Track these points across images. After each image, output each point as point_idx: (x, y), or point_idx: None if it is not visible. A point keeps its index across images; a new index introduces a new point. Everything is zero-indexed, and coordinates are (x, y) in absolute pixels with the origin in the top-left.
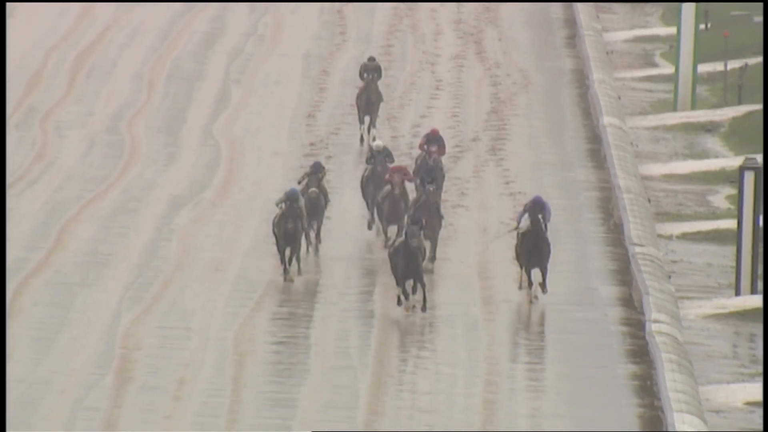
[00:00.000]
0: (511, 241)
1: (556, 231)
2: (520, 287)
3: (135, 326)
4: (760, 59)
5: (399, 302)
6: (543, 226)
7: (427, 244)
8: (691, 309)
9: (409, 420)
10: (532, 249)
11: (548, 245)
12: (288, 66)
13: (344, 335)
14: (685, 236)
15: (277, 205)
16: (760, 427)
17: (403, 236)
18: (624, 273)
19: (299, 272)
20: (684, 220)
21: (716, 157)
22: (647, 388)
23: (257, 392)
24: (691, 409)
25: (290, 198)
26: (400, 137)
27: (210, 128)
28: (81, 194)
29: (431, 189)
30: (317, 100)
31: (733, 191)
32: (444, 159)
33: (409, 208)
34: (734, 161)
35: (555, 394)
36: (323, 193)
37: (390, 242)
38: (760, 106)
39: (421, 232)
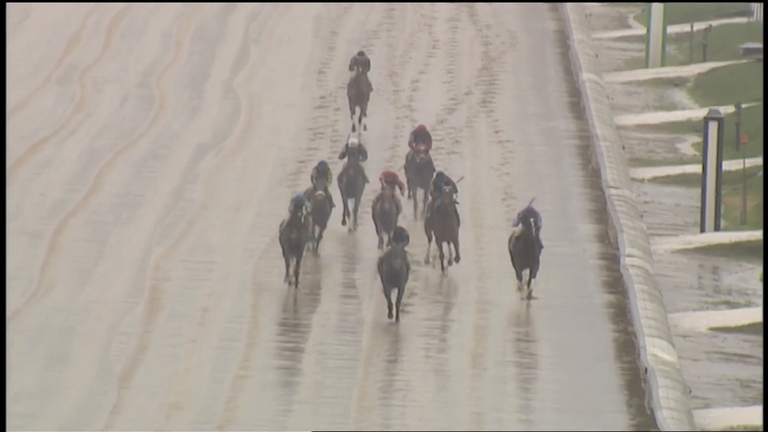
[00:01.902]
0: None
1: (540, 175)
2: (520, 290)
3: (164, 260)
4: (722, 21)
5: (390, 315)
6: (534, 229)
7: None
8: (661, 244)
9: (408, 342)
10: (524, 252)
11: (539, 249)
12: (300, 27)
13: (350, 268)
14: (655, 179)
15: (289, 211)
16: (723, 349)
17: (390, 248)
18: (601, 212)
19: (297, 280)
20: (654, 165)
21: (683, 108)
22: (621, 315)
23: (273, 318)
24: (661, 334)
25: (297, 205)
26: (401, 91)
27: (231, 83)
28: (115, 142)
29: (446, 190)
30: (327, 58)
31: (699, 139)
32: (440, 110)
33: (426, 210)
34: (699, 112)
35: (538, 320)
36: (329, 198)
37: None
38: (722, 63)
39: (405, 252)
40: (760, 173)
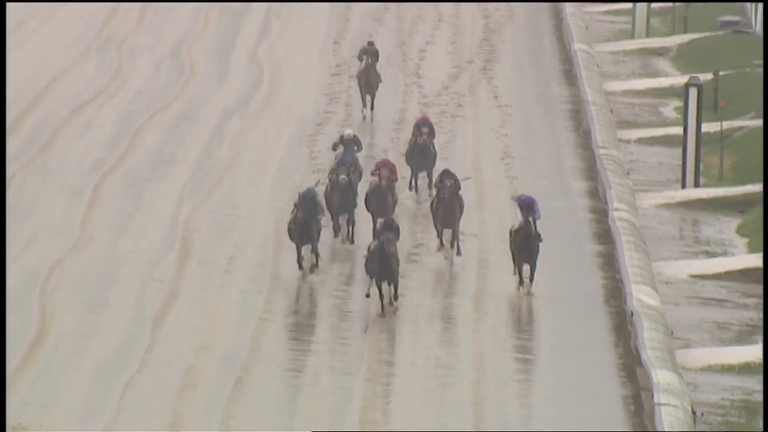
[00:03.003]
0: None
1: (536, 136)
2: (515, 273)
3: (194, 213)
4: None
5: (368, 295)
6: (533, 226)
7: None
8: (646, 199)
9: (417, 289)
10: (523, 246)
11: (538, 242)
12: (317, 2)
13: (364, 218)
14: (640, 140)
15: (295, 206)
16: (702, 295)
17: (379, 241)
18: (591, 170)
19: (316, 267)
20: (640, 127)
21: (666, 76)
22: (610, 263)
23: (293, 267)
24: (645, 280)
25: (306, 196)
26: (410, 60)
27: (255, 53)
28: (150, 106)
29: (448, 184)
30: (342, 29)
31: (680, 104)
32: (444, 77)
33: (432, 203)
34: (681, 79)
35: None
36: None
37: (368, 246)
38: (702, 35)
39: (397, 238)
40: (737, 134)
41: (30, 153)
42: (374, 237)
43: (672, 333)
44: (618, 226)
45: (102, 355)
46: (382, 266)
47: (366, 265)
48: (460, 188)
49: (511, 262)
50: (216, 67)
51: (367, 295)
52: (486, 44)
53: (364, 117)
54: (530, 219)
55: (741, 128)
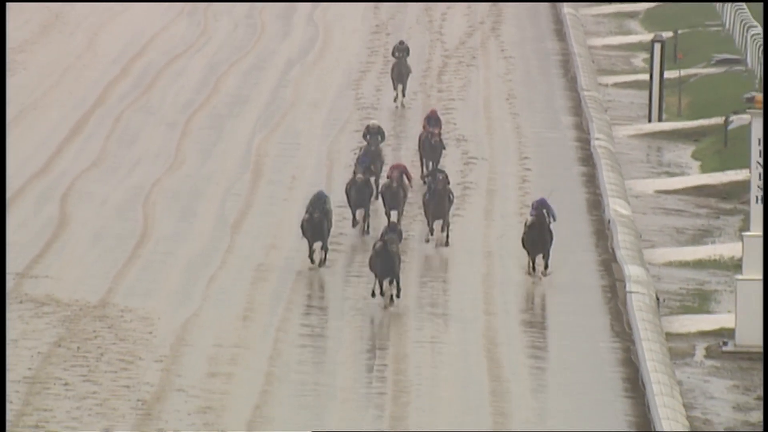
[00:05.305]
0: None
1: (534, 81)
2: (528, 273)
3: (264, 142)
4: None
5: (373, 294)
6: (546, 219)
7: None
8: (620, 131)
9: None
10: (536, 239)
11: (551, 235)
12: None
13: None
14: (616, 84)
15: (307, 207)
16: (664, 206)
17: (383, 241)
18: (577, 108)
19: (323, 262)
20: (616, 74)
21: (636, 34)
22: (591, 181)
23: (342, 182)
24: (619, 195)
25: (318, 199)
26: (434, 21)
27: (312, 15)
28: (229, 57)
29: (440, 177)
30: None
31: (647, 55)
32: (461, 34)
33: (424, 195)
34: (648, 37)
35: (530, 183)
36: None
37: (373, 245)
38: (665, 3)
39: (399, 240)
40: (692, 80)
41: (135, 94)
42: (380, 236)
43: (641, 236)
44: (598, 152)
45: (191, 254)
46: (385, 264)
47: (370, 263)
48: (449, 182)
49: (528, 259)
50: (281, 27)
51: (372, 295)
52: (494, 9)
53: (396, 105)
54: (543, 212)
55: (695, 75)
